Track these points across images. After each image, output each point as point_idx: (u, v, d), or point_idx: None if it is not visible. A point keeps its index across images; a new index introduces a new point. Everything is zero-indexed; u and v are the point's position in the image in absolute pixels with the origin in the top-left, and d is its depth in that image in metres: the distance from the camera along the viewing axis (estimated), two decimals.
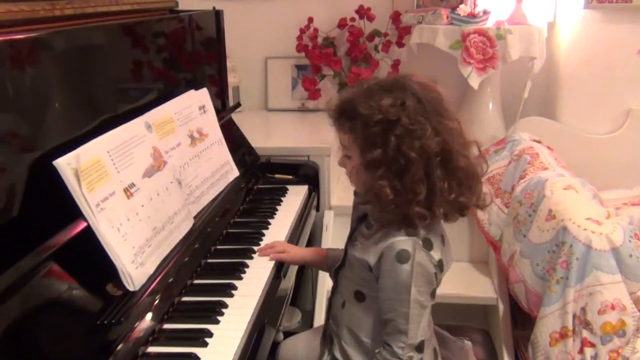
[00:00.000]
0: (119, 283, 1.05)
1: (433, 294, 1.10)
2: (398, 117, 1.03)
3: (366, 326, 1.18)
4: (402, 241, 1.07)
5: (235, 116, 2.31)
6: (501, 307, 1.90)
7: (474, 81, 2.14)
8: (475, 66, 2.13)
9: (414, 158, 1.03)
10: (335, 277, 1.28)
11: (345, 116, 1.09)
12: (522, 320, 1.91)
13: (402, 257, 1.06)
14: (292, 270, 1.60)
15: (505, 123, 2.40)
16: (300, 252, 1.48)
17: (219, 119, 1.80)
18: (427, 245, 1.08)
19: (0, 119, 0.97)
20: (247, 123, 2.43)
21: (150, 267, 1.12)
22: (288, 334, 1.91)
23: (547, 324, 1.52)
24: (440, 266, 1.10)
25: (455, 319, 1.94)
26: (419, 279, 1.06)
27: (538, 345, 1.54)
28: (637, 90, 2.26)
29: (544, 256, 1.60)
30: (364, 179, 1.10)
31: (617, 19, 2.19)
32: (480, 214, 1.96)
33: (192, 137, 1.45)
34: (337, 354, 1.23)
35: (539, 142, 2.10)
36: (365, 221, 1.18)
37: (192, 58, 1.80)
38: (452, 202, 1.07)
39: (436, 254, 1.09)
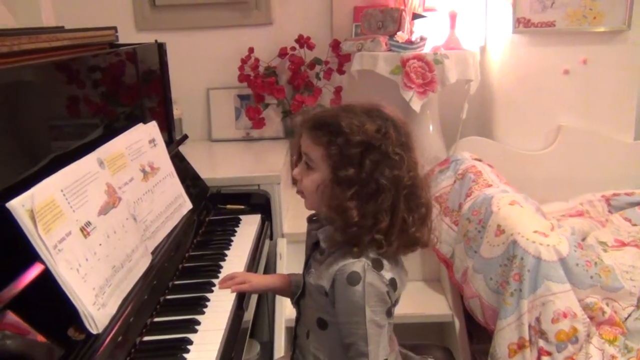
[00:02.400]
0: (80, 326, 1.00)
1: (389, 313, 1.11)
2: (380, 143, 1.06)
3: (332, 353, 1.18)
4: (352, 263, 1.08)
5: (180, 148, 2.28)
6: (457, 323, 1.94)
7: (416, 105, 2.21)
8: (416, 90, 2.20)
9: (384, 185, 1.05)
10: (297, 306, 1.27)
11: (324, 129, 1.09)
12: (478, 335, 1.96)
13: (353, 279, 1.07)
14: (253, 301, 1.57)
15: (446, 143, 2.48)
16: (263, 280, 1.46)
17: (168, 151, 1.77)
18: (377, 266, 1.09)
19: None
20: (193, 155, 2.38)
21: (112, 308, 1.07)
22: None
23: (505, 336, 1.56)
24: (393, 285, 1.11)
25: (414, 338, 1.96)
26: (372, 299, 1.07)
27: (497, 358, 1.57)
28: (565, 108, 2.39)
29: (497, 270, 1.65)
30: (330, 195, 1.09)
31: (543, 42, 2.32)
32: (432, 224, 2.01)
33: (144, 171, 1.42)
34: None
35: (480, 160, 2.18)
36: (318, 248, 1.18)
37: (137, 92, 1.77)
38: (409, 236, 1.10)
39: (387, 273, 1.10)
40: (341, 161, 1.07)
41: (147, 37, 1.98)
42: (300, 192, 1.17)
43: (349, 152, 1.06)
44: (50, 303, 0.99)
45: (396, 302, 1.15)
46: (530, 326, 1.53)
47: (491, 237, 1.72)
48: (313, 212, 1.24)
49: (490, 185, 1.95)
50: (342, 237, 1.09)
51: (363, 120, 1.08)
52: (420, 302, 2.05)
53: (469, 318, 1.91)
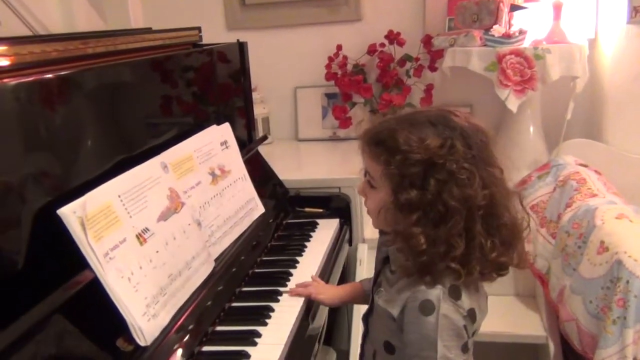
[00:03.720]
0: (130, 337, 0.98)
1: (464, 349, 0.98)
2: (444, 160, 0.93)
3: None
4: (425, 290, 0.96)
5: (266, 148, 2.26)
6: (552, 346, 1.76)
7: (512, 104, 2.03)
8: (512, 88, 2.02)
9: (454, 207, 0.92)
10: (365, 323, 1.18)
11: (382, 146, 0.98)
12: None
13: (426, 308, 0.95)
14: (323, 310, 1.50)
15: (547, 146, 2.27)
16: (338, 292, 1.38)
17: (246, 152, 1.75)
18: (455, 294, 0.96)
19: (17, 162, 0.94)
20: (278, 154, 2.38)
21: (164, 319, 1.04)
22: None
23: None
24: (471, 316, 0.98)
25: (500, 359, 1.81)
26: (446, 333, 0.95)
27: None
28: None
29: (598, 293, 1.46)
30: (393, 220, 0.98)
31: None
32: (524, 244, 1.84)
33: (213, 174, 1.39)
34: None
35: (585, 166, 1.96)
36: (389, 263, 1.08)
37: (217, 92, 1.76)
38: (491, 262, 0.96)
39: (466, 303, 0.97)
40: (401, 182, 0.95)
41: (237, 36, 1.97)
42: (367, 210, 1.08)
43: (409, 172, 0.94)
44: (101, 310, 0.97)
45: (474, 333, 1.02)
46: None
47: (592, 254, 1.52)
48: None
49: (595, 195, 1.74)
50: (414, 266, 0.97)
51: (425, 133, 0.95)
52: (511, 319, 1.88)
53: (566, 341, 1.72)
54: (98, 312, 0.97)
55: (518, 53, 2.01)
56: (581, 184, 1.81)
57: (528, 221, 1.05)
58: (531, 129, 2.26)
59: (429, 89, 2.40)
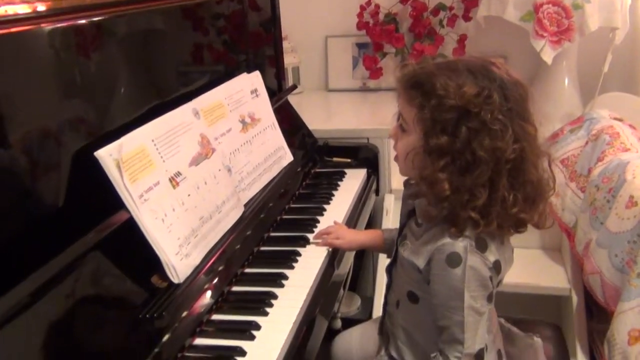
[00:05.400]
0: (164, 275, 1.03)
1: (490, 299, 1.01)
2: (479, 109, 0.93)
3: (421, 328, 1.10)
4: (452, 243, 0.98)
5: (296, 97, 2.27)
6: (575, 298, 1.77)
7: (547, 55, 1.98)
8: (548, 39, 1.97)
9: (482, 157, 0.93)
10: (389, 273, 1.21)
11: (418, 89, 0.98)
12: (599, 313, 1.78)
13: (453, 260, 0.97)
14: (349, 257, 1.54)
15: (582, 99, 2.22)
16: (357, 237, 1.41)
17: (275, 101, 1.76)
18: (481, 246, 0.98)
19: (53, 106, 0.97)
20: (307, 104, 2.38)
21: (196, 258, 1.09)
22: (347, 321, 1.88)
23: (626, 320, 1.39)
24: (496, 268, 1.00)
25: (524, 310, 1.83)
26: (472, 284, 0.97)
27: (615, 343, 1.41)
28: None
29: (624, 247, 1.46)
30: (420, 164, 0.99)
31: None
32: (553, 198, 1.82)
33: (243, 122, 1.41)
34: (393, 353, 1.17)
35: (620, 120, 1.92)
36: (414, 216, 1.10)
37: (248, 40, 1.77)
38: (511, 216, 0.97)
39: (491, 255, 0.99)
40: (433, 127, 0.96)
41: None
42: (395, 156, 1.10)
43: (442, 118, 0.94)
44: (136, 249, 1.02)
45: (499, 283, 1.05)
46: None
47: (621, 208, 1.52)
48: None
49: (627, 150, 1.71)
50: (437, 212, 0.99)
51: (463, 81, 0.94)
52: (536, 272, 1.90)
53: (589, 294, 1.73)
54: (133, 250, 1.02)
55: (556, 2, 1.96)
56: (614, 138, 1.78)
57: (554, 184, 1.05)
58: (566, 81, 2.21)
59: (462, 39, 2.35)
